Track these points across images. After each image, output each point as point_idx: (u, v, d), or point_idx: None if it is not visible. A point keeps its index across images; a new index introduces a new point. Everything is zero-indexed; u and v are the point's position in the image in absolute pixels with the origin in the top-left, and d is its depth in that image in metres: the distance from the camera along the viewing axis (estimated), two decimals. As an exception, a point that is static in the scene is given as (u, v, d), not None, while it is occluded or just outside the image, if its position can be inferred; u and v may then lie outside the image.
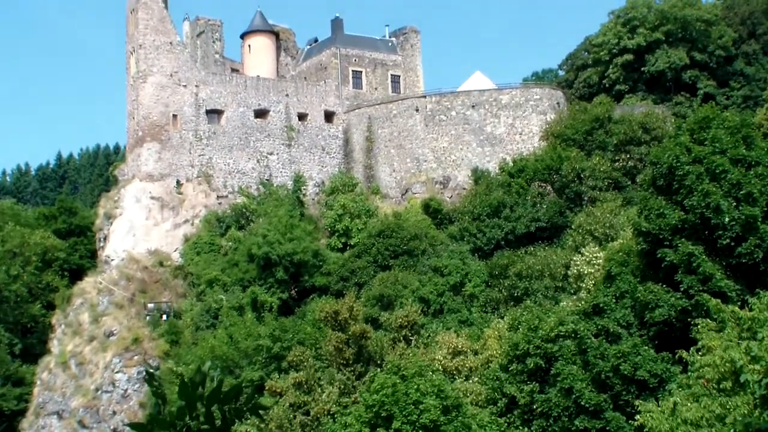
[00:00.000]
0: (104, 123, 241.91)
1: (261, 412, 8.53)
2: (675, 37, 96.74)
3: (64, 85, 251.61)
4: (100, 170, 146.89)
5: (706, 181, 43.20)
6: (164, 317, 73.72)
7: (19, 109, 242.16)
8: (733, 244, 41.79)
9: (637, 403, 35.75)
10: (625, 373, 41.33)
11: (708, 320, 35.99)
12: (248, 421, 42.46)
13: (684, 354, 33.76)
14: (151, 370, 8.95)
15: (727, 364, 27.71)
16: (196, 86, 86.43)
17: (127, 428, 59.91)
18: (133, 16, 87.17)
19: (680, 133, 48.19)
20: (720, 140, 44.66)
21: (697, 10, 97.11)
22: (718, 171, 43.40)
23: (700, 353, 32.14)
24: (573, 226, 67.89)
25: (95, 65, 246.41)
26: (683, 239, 42.85)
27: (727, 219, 41.64)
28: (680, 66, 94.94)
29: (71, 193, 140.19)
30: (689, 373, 32.90)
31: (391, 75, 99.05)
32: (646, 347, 42.32)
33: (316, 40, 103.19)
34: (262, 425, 47.99)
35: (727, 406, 25.84)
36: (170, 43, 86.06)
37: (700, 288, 40.79)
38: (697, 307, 39.70)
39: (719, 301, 37.14)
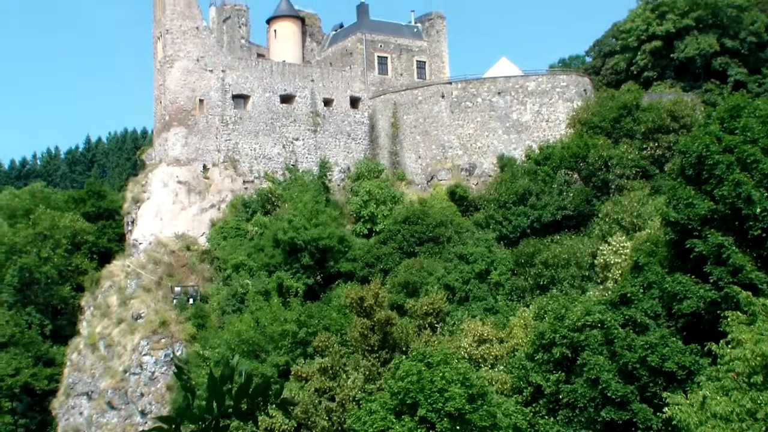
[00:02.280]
0: (132, 107, 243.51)
1: (289, 407, 8.64)
2: (705, 23, 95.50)
3: (93, 70, 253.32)
4: (127, 154, 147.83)
5: (737, 171, 42.84)
6: (191, 301, 74.24)
7: (49, 93, 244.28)
8: (764, 235, 41.49)
9: (664, 395, 35.68)
10: (653, 364, 41.15)
11: (738, 313, 35.73)
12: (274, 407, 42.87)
13: (713, 347, 33.60)
14: (181, 364, 9.05)
15: (758, 358, 27.59)
16: (222, 71, 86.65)
17: (156, 413, 60.47)
18: (160, 2, 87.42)
19: (710, 122, 47.77)
20: (751, 129, 44.24)
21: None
22: (749, 161, 43.03)
23: (729, 346, 31.97)
24: (600, 215, 67.51)
25: (124, 50, 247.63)
26: (713, 230, 42.58)
27: (758, 210, 41.33)
28: (710, 53, 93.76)
29: (100, 176, 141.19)
30: (718, 366, 32.77)
31: (417, 61, 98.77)
32: (674, 339, 42.10)
33: (341, 26, 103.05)
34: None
35: (758, 401, 25.72)
36: (197, 28, 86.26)
37: (730, 280, 40.55)
38: (726, 299, 39.48)
39: (750, 293, 36.89)
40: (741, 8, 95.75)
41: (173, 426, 8.09)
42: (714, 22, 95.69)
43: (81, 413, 73.17)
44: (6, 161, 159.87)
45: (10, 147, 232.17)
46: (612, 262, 55.30)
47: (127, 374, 71.08)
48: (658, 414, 37.85)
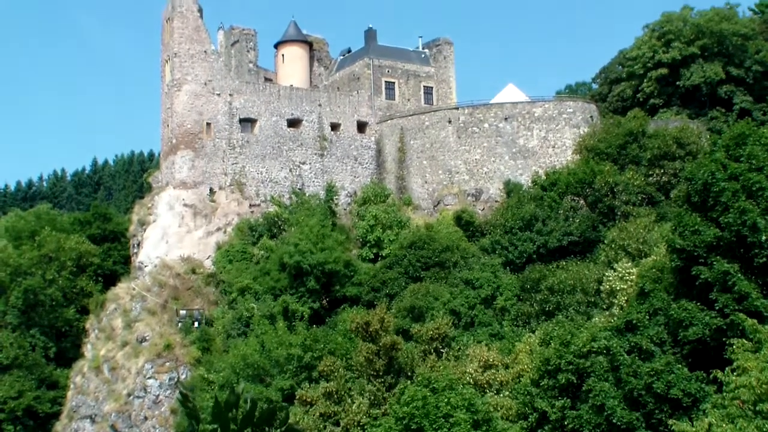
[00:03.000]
0: (139, 130, 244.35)
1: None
2: (711, 51, 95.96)
3: (100, 93, 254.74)
4: (134, 177, 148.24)
5: (743, 199, 42.89)
6: (196, 324, 74.19)
7: (56, 115, 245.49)
8: (769, 263, 41.40)
9: (670, 422, 35.57)
10: (658, 391, 41.03)
11: (744, 340, 35.69)
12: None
13: (719, 374, 33.50)
14: (185, 391, 9.05)
15: (763, 386, 27.51)
16: (229, 95, 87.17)
17: None
18: (168, 25, 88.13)
19: (716, 149, 47.87)
20: (756, 157, 44.34)
21: (734, 25, 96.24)
22: (754, 188, 43.10)
23: (735, 374, 31.89)
24: (606, 241, 67.52)
25: (131, 73, 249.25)
26: (718, 257, 42.55)
27: (764, 237, 41.34)
28: (716, 81, 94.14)
29: (106, 199, 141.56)
30: (724, 394, 32.65)
31: (424, 86, 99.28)
32: (680, 366, 41.99)
33: (349, 51, 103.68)
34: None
35: (764, 429, 25.63)
36: (205, 52, 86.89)
37: (736, 307, 40.45)
38: (732, 327, 39.38)
39: (755, 321, 36.86)
40: (746, 37, 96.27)
41: None
42: (719, 51, 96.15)
43: (84, 436, 72.91)
44: (12, 183, 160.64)
45: (17, 169, 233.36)
46: (618, 288, 55.25)
47: (131, 397, 70.91)
48: (663, 441, 37.68)
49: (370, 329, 56.09)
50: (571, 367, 44.24)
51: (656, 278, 47.54)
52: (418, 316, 64.36)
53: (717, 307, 41.61)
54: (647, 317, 45.20)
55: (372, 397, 53.12)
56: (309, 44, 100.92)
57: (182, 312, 74.94)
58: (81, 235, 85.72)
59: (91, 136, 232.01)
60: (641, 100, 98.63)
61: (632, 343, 44.16)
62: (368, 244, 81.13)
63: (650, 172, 76.14)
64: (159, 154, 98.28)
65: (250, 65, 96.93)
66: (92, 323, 78.06)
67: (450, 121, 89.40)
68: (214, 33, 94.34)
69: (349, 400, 52.97)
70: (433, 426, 41.59)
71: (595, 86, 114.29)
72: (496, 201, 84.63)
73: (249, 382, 59.27)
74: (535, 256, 71.24)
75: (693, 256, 43.52)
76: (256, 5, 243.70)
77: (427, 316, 63.62)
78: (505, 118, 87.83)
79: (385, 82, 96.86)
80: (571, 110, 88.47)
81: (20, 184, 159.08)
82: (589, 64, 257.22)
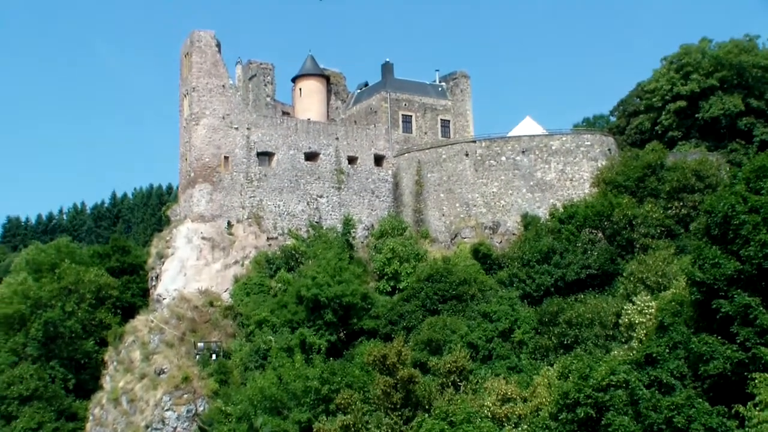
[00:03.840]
0: (158, 164, 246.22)
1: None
2: (730, 83, 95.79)
3: (119, 127, 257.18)
4: (153, 210, 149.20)
5: (764, 231, 42.68)
6: (214, 357, 74.19)
7: (76, 149, 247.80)
8: (791, 296, 41.06)
9: (691, 457, 35.07)
10: (679, 426, 40.56)
11: (766, 374, 35.28)
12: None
13: (741, 409, 33.12)
14: (204, 427, 9.07)
15: (786, 421, 27.16)
16: (247, 129, 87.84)
17: None
18: (187, 60, 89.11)
19: (736, 182, 47.73)
20: (777, 190, 44.12)
21: (754, 57, 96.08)
22: (775, 221, 42.81)
23: (757, 408, 31.54)
24: (624, 274, 67.15)
25: (150, 107, 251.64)
26: (739, 290, 42.25)
27: (784, 270, 40.99)
28: (735, 113, 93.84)
29: (125, 231, 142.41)
30: (746, 429, 32.26)
31: (441, 119, 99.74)
32: (701, 400, 41.50)
33: (366, 84, 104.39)
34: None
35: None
36: (223, 86, 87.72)
37: (758, 341, 40.09)
38: (754, 361, 39.00)
39: (777, 355, 36.45)
40: (766, 69, 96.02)
41: None
42: (739, 83, 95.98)
43: (102, 469, 72.80)
44: (33, 216, 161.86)
45: (37, 202, 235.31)
46: (637, 321, 54.81)
47: (149, 429, 70.73)
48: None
49: (388, 362, 55.94)
50: (589, 400, 43.84)
51: (676, 312, 47.19)
52: (436, 349, 64.12)
53: (738, 341, 41.24)
54: (667, 351, 44.82)
55: (389, 430, 52.84)
56: (326, 78, 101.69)
57: (200, 344, 75.02)
58: (100, 267, 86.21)
59: (110, 170, 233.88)
60: (659, 132, 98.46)
61: (652, 377, 43.77)
62: (385, 277, 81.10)
63: (669, 205, 75.82)
64: (177, 188, 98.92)
65: (268, 99, 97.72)
66: (111, 355, 78.25)
67: (467, 154, 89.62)
68: (232, 67, 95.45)
69: (366, 434, 52.70)
70: (451, 460, 41.28)
71: (612, 119, 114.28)
72: (514, 234, 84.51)
73: (266, 415, 59.14)
74: (552, 289, 70.95)
75: (713, 289, 43.23)
76: (273, 39, 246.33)
77: (444, 349, 63.39)
78: (523, 151, 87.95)
79: (402, 115, 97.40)
80: (589, 143, 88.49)
81: (40, 217, 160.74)
82: (606, 96, 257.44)
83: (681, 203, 75.66)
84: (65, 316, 78.47)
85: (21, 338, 78.57)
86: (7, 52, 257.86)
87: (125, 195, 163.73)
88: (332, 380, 59.89)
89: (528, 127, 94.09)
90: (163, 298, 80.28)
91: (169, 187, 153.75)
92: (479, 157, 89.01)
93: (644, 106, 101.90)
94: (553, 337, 63.16)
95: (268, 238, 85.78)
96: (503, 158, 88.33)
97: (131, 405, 72.79)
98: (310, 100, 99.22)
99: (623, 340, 56.94)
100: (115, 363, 77.27)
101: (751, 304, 41.18)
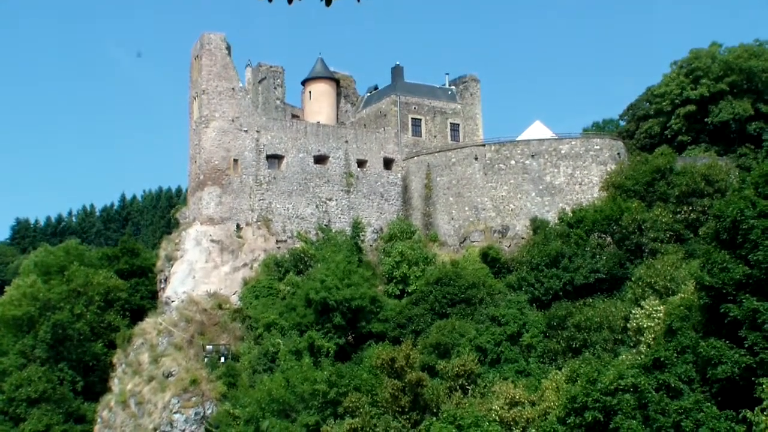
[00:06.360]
0: (167, 166, 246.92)
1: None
2: (740, 88, 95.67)
3: (129, 129, 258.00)
4: (162, 212, 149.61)
5: (772, 236, 42.52)
6: (222, 359, 74.31)
7: (85, 151, 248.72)
8: (799, 300, 40.93)
9: (699, 461, 35.00)
10: (687, 429, 40.57)
11: (774, 379, 35.19)
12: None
13: (749, 413, 33.04)
14: (212, 429, 9.14)
15: (794, 425, 27.08)
16: (257, 131, 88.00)
17: None
18: (197, 63, 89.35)
19: (745, 186, 47.65)
20: (786, 194, 44.03)
21: (764, 61, 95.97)
22: (784, 226, 42.71)
23: (765, 413, 31.46)
24: (633, 279, 67.00)
25: (160, 109, 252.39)
26: (748, 294, 42.15)
27: (793, 275, 40.87)
28: (745, 117, 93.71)
29: (134, 234, 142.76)
30: (754, 433, 32.17)
31: (451, 123, 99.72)
32: (709, 404, 41.45)
33: (376, 88, 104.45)
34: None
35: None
36: (232, 89, 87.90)
37: (766, 345, 40.00)
38: (762, 365, 38.91)
39: (785, 359, 36.35)
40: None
41: None
42: (748, 87, 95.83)
43: (110, 471, 72.97)
44: (42, 218, 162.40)
45: (46, 204, 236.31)
46: (645, 325, 54.71)
47: (157, 432, 70.94)
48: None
49: (396, 365, 55.99)
50: (598, 404, 43.81)
51: (684, 316, 47.12)
52: (444, 353, 64.13)
53: (746, 345, 41.15)
54: (675, 355, 44.78)
55: (397, 434, 52.85)
56: (336, 81, 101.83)
57: (208, 347, 75.14)
58: (109, 270, 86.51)
59: (119, 172, 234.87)
60: (669, 137, 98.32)
61: (660, 381, 43.72)
62: (394, 281, 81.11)
63: (678, 210, 75.63)
64: (186, 190, 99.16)
65: (278, 102, 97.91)
66: (119, 358, 78.46)
67: (476, 158, 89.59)
68: (241, 70, 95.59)
69: (374, 437, 52.71)
70: (459, 464, 41.29)
71: (622, 123, 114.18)
72: (523, 238, 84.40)
73: (274, 418, 59.25)
74: (561, 293, 70.84)
75: (722, 293, 43.16)
76: (283, 42, 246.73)
77: (452, 352, 63.39)
78: (532, 155, 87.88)
79: (412, 118, 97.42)
80: (598, 147, 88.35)
81: (50, 219, 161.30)
82: (616, 101, 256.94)
83: (690, 207, 75.45)
84: (74, 319, 78.74)
85: (30, 340, 78.83)
86: (19, 56, 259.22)
87: (134, 197, 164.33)
88: (340, 383, 59.95)
89: (537, 131, 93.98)
90: (172, 301, 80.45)
91: (179, 190, 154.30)
92: (488, 161, 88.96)
93: (654, 110, 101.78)
94: (561, 341, 63.10)
95: (277, 241, 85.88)
96: (512, 162, 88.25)
97: (139, 407, 72.97)
98: (319, 103, 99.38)
99: (631, 344, 56.87)
100: (123, 365, 77.48)
101: (760, 309, 41.10)
